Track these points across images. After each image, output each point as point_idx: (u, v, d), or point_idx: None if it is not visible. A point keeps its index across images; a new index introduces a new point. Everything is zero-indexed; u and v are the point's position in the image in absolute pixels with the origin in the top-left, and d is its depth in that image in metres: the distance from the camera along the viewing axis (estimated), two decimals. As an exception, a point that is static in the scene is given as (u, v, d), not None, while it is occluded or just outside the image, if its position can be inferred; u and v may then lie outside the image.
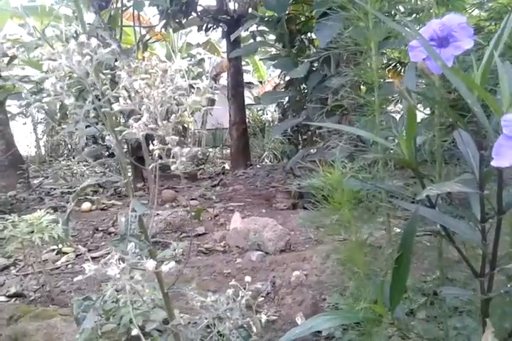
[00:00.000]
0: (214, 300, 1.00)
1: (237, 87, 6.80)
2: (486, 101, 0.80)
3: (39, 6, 8.09)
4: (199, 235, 2.72)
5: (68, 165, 6.80)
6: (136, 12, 5.10)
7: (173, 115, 0.92)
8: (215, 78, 9.39)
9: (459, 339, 1.47)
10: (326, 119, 2.17)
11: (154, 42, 5.66)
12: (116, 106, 0.87)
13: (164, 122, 0.93)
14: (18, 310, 1.89)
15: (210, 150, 8.88)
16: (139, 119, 0.95)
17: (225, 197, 3.59)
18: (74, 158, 7.49)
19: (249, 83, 10.01)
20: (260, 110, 9.86)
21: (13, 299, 2.12)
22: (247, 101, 8.44)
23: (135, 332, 0.92)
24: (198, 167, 7.04)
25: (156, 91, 0.87)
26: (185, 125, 9.39)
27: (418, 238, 1.51)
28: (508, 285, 1.12)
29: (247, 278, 1.09)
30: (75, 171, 6.27)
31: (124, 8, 3.57)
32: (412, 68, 1.16)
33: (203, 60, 9.69)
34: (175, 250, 2.33)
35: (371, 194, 1.20)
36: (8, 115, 6.84)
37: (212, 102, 9.79)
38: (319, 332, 1.86)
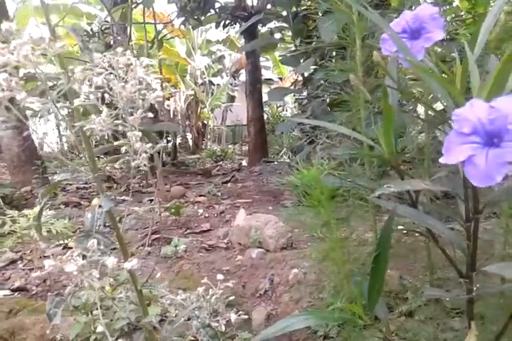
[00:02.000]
0: (184, 299, 0.99)
1: (255, 84, 6.77)
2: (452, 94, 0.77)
3: (61, 5, 8.24)
4: (204, 231, 2.72)
5: (109, 162, 6.88)
6: (153, 9, 5.13)
7: (139, 110, 0.91)
8: (234, 75, 9.39)
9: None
10: (327, 116, 2.13)
11: (170, 38, 5.66)
12: (77, 102, 0.87)
13: (130, 117, 0.92)
14: (18, 304, 1.92)
15: (230, 146, 8.88)
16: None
17: (233, 193, 3.59)
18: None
19: (269, 79, 9.97)
20: (280, 106, 9.82)
21: (16, 293, 2.15)
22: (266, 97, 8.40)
23: (100, 328, 0.91)
24: (216, 163, 7.06)
25: (118, 85, 0.85)
26: (205, 121, 9.43)
27: (414, 238, 1.47)
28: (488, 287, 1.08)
29: (219, 276, 1.07)
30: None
31: (134, 5, 3.58)
32: (394, 63, 1.12)
33: (223, 56, 9.70)
34: (176, 246, 2.34)
35: (352, 192, 1.18)
36: (31, 112, 6.97)
37: (232, 99, 9.82)
38: (315, 332, 1.84)
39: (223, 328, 0.99)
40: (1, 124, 4.34)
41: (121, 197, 3.63)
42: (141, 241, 2.61)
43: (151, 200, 3.40)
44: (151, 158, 1.46)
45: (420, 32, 0.89)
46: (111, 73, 0.90)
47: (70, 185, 4.57)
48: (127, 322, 1.35)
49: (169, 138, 4.80)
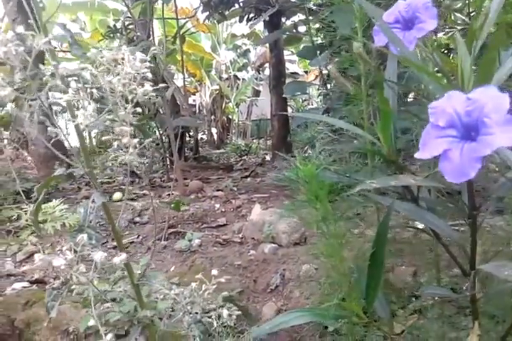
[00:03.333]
0: (177, 294, 0.99)
1: (278, 78, 6.71)
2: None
3: (88, 2, 8.35)
4: (220, 226, 2.73)
5: (116, 156, 6.97)
6: (176, 4, 5.15)
7: (129, 105, 0.91)
8: (259, 69, 9.36)
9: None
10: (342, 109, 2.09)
11: (192, 33, 5.68)
12: (65, 97, 0.87)
13: (121, 113, 0.92)
14: (34, 296, 1.96)
15: (255, 141, 8.86)
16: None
17: (251, 188, 3.58)
18: (122, 149, 7.70)
19: (295, 73, 9.89)
20: (305, 100, 9.74)
21: (35, 285, 2.20)
22: (292, 91, 8.33)
23: (92, 322, 0.92)
24: (240, 158, 7.06)
25: (105, 80, 0.85)
26: (230, 116, 9.45)
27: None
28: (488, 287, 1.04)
29: (214, 272, 1.07)
30: (123, 162, 6.43)
31: (154, 0, 3.59)
32: (393, 58, 1.09)
33: (248, 50, 9.68)
34: (190, 241, 2.35)
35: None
36: (59, 108, 7.11)
37: (257, 93, 9.79)
38: (326, 327, 1.83)
39: (215, 324, 0.99)
40: (28, 120, 4.44)
41: (142, 192, 3.67)
42: (158, 235, 2.64)
43: (171, 194, 3.43)
44: (172, 153, 1.46)
45: (413, 22, 0.86)
46: (99, 69, 0.91)
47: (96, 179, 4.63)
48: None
49: (191, 133, 4.82)
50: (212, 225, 2.74)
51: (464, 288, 1.09)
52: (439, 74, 0.76)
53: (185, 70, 9.22)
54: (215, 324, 0.97)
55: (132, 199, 3.45)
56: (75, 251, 0.91)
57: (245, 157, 7.17)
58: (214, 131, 9.05)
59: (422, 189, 1.14)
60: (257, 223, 2.38)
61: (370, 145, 1.11)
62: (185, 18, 4.82)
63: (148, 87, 0.90)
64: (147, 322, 1.08)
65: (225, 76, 9.29)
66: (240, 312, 1.00)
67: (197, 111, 9.46)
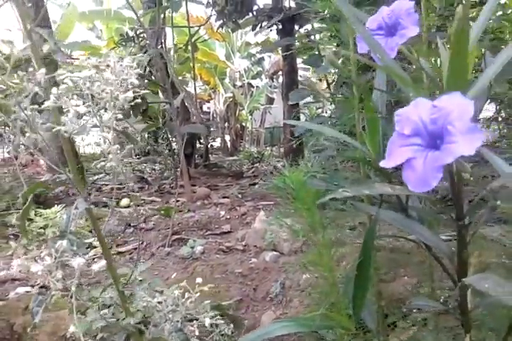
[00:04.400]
0: (160, 302, 0.99)
1: (291, 85, 6.71)
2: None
3: (105, 10, 8.48)
4: (224, 233, 2.72)
5: (130, 162, 7.06)
6: (187, 13, 5.20)
7: (110, 111, 0.91)
8: (273, 76, 9.37)
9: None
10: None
11: (203, 41, 5.72)
12: (48, 103, 0.88)
13: (104, 119, 0.92)
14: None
15: (268, 148, 8.86)
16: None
17: (258, 195, 3.57)
18: (136, 155, 7.79)
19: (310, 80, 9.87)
20: (319, 108, 9.72)
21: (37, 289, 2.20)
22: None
23: (72, 329, 0.92)
24: (253, 165, 7.06)
25: (85, 86, 0.86)
26: (243, 124, 9.47)
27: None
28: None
29: (198, 280, 1.06)
30: (136, 168, 6.52)
31: (162, 9, 3.63)
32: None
33: (262, 58, 9.70)
34: (192, 248, 2.35)
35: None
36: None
37: (270, 101, 9.80)
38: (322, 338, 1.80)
39: (230, 331, 0.98)
40: (41, 126, 4.50)
41: (150, 198, 3.69)
42: (162, 241, 2.64)
43: (178, 201, 3.43)
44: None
45: (396, 28, 0.84)
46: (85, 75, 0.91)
47: (106, 185, 4.68)
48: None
49: (202, 140, 4.84)
50: (216, 232, 2.73)
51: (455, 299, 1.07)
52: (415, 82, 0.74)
53: (199, 78, 9.31)
54: (196, 332, 0.96)
55: (140, 206, 3.46)
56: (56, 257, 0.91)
57: (257, 164, 7.17)
58: (227, 138, 9.08)
59: (414, 198, 1.13)
60: (259, 231, 2.36)
61: (359, 152, 1.10)
62: (196, 26, 4.85)
63: (130, 93, 0.90)
64: (132, 329, 1.07)
65: (239, 84, 9.33)
66: (222, 321, 0.99)
67: (211, 118, 9.51)
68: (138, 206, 3.45)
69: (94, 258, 2.55)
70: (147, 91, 3.29)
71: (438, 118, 0.54)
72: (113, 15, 8.25)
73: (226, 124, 9.11)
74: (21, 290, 2.21)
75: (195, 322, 1.00)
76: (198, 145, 4.98)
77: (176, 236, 2.64)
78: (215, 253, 2.45)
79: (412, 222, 0.98)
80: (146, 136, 8.00)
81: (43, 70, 0.84)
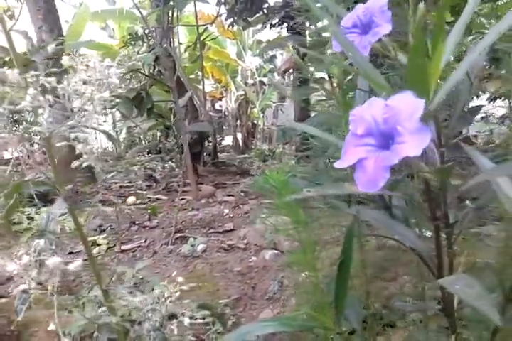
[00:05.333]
0: (140, 300, 0.99)
1: (303, 83, 6.69)
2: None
3: (117, 10, 8.53)
4: (226, 231, 2.72)
5: (142, 161, 7.14)
6: (196, 11, 5.21)
7: (85, 112, 0.91)
8: (284, 74, 9.34)
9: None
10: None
11: (212, 39, 5.72)
12: (24, 103, 0.88)
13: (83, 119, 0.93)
14: (34, 299, 2.00)
15: (280, 146, 8.84)
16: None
17: (262, 193, 3.56)
18: (148, 153, 7.84)
19: (322, 78, 9.82)
20: (331, 106, 9.66)
21: (39, 287, 2.23)
22: (319, 96, 8.25)
23: (51, 326, 0.93)
24: (264, 163, 7.05)
25: (60, 86, 0.86)
26: (255, 121, 9.46)
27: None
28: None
29: (179, 279, 1.06)
30: (148, 166, 6.57)
31: (167, 8, 3.64)
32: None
33: (274, 56, 9.69)
34: (192, 246, 2.36)
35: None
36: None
37: (282, 99, 9.77)
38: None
39: (175, 332, 0.98)
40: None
41: (156, 196, 3.71)
42: (165, 239, 2.65)
43: (182, 199, 3.45)
44: (192, 158, 1.45)
45: (370, 26, 0.83)
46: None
47: (116, 183, 4.72)
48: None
49: (210, 139, 4.85)
50: (219, 230, 2.73)
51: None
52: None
53: (211, 76, 9.33)
54: (175, 331, 0.96)
55: (145, 204, 3.49)
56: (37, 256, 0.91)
57: (269, 162, 7.16)
58: (239, 136, 9.08)
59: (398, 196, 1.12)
60: (259, 229, 2.37)
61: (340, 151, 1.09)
62: (203, 25, 4.86)
63: (106, 93, 0.91)
64: (117, 328, 1.08)
65: (250, 81, 9.32)
66: (203, 320, 0.99)
67: (223, 116, 9.52)
68: (145, 204, 3.48)
69: (97, 256, 2.58)
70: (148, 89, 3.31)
71: (389, 118, 0.53)
72: (125, 15, 8.29)
73: (238, 122, 9.12)
74: (24, 287, 2.24)
75: (175, 320, 1.00)
76: (206, 143, 4.99)
77: (178, 235, 2.65)
78: (216, 251, 2.45)
79: (393, 222, 0.97)
80: (159, 134, 8.06)
81: (16, 71, 0.85)
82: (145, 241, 2.67)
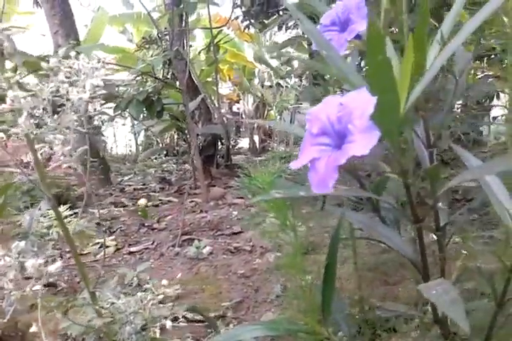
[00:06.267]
0: (124, 303, 0.98)
1: (319, 84, 6.64)
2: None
3: (135, 13, 8.63)
4: (234, 234, 2.71)
5: (161, 163, 7.21)
6: (209, 14, 5.22)
7: (62, 113, 0.91)
8: (301, 76, 9.30)
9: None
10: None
11: (226, 42, 5.73)
12: (3, 105, 0.89)
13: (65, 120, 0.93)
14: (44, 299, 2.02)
15: (297, 148, 8.80)
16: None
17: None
18: (165, 155, 7.89)
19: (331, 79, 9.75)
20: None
21: (47, 288, 2.26)
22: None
23: (33, 328, 0.93)
24: (280, 165, 7.02)
25: (38, 88, 0.86)
26: (272, 123, 9.43)
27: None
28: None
29: (164, 282, 1.05)
30: (165, 168, 6.62)
31: (177, 12, 3.66)
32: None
33: (292, 58, 9.64)
34: (197, 248, 2.35)
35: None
36: (106, 117, 7.37)
37: (299, 101, 9.73)
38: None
39: (158, 335, 0.97)
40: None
41: (167, 198, 3.72)
42: (172, 241, 2.66)
43: (192, 201, 3.45)
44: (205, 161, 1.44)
45: (348, 23, 0.81)
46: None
47: (130, 186, 4.75)
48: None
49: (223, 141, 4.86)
50: (226, 233, 2.73)
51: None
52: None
53: (228, 79, 9.35)
54: (157, 335, 0.96)
55: (156, 206, 3.50)
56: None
57: (285, 164, 7.12)
58: (256, 138, 9.08)
59: (389, 198, 1.09)
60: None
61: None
62: (216, 28, 4.87)
63: (84, 95, 0.91)
64: (104, 330, 1.07)
65: (268, 84, 9.32)
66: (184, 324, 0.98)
67: (240, 118, 9.53)
68: (155, 206, 3.49)
69: (105, 259, 2.60)
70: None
71: (343, 117, 0.51)
72: (142, 18, 8.37)
73: (255, 124, 9.12)
74: (33, 288, 2.27)
75: (158, 324, 0.99)
76: (220, 145, 5.00)
77: (186, 237, 2.65)
78: (222, 253, 2.44)
79: (378, 224, 0.94)
80: (176, 136, 8.11)
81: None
82: (152, 243, 2.67)
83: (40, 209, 0.97)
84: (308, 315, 1.04)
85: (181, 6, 3.53)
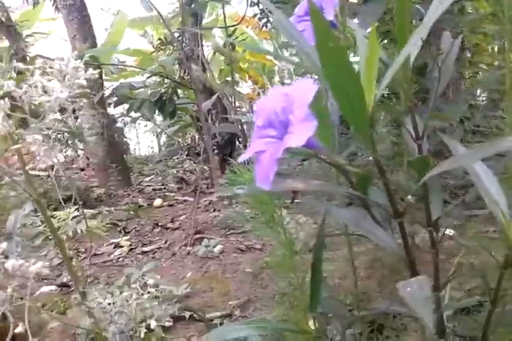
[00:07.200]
0: (109, 303, 0.98)
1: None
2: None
3: (154, 16, 8.69)
4: (245, 232, 2.70)
5: (179, 163, 7.26)
6: (224, 13, 5.22)
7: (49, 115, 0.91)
8: (321, 72, 9.23)
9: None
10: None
11: (242, 40, 5.71)
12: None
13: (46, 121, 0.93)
14: (50, 300, 2.05)
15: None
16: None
17: (287, 193, 3.51)
18: (187, 155, 7.94)
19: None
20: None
21: (59, 289, 2.29)
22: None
23: (19, 328, 0.93)
24: (301, 163, 6.99)
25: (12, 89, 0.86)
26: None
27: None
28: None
29: (150, 281, 1.04)
30: (186, 168, 6.67)
31: (186, 12, 3.66)
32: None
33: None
34: (207, 247, 2.35)
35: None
36: (128, 119, 7.46)
37: (320, 97, 9.65)
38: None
39: (142, 335, 0.97)
40: (87, 131, 4.67)
41: (183, 198, 3.74)
42: (185, 240, 2.66)
43: (206, 200, 3.46)
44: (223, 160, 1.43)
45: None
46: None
47: (149, 186, 4.79)
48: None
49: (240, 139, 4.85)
50: (238, 231, 2.71)
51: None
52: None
53: (247, 77, 9.34)
54: (142, 335, 0.95)
55: (171, 206, 3.52)
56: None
57: (305, 162, 7.08)
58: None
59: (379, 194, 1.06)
60: (275, 229, 2.33)
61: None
62: (231, 26, 4.86)
63: (62, 94, 0.90)
64: (95, 330, 1.07)
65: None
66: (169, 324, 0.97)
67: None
68: (170, 206, 3.51)
69: (119, 258, 2.62)
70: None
71: (286, 107, 0.49)
72: (161, 21, 8.42)
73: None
74: (46, 289, 2.30)
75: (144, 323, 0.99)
76: (238, 144, 5.00)
77: (198, 236, 2.65)
78: (233, 252, 2.44)
79: (364, 220, 0.91)
80: (197, 136, 8.14)
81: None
82: (165, 243, 2.68)
83: (24, 210, 0.97)
84: (297, 313, 1.02)
85: (192, 5, 3.53)
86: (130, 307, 0.97)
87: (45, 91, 0.93)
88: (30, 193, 1.04)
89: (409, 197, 0.66)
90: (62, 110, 0.96)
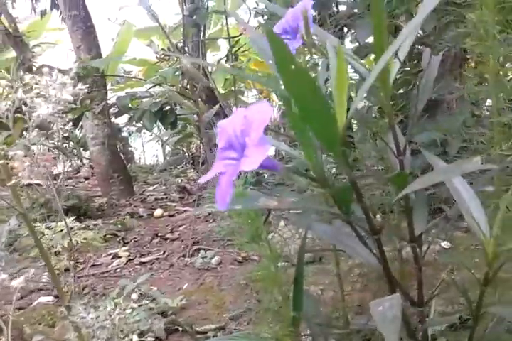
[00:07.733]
0: (93, 318, 0.98)
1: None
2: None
3: (159, 27, 8.77)
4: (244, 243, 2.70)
5: (181, 172, 7.28)
6: (227, 24, 5.27)
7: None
8: (326, 81, 9.26)
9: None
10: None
11: (245, 51, 5.75)
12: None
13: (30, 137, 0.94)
14: (46, 311, 2.06)
15: (324, 156, 8.73)
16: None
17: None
18: (191, 164, 7.97)
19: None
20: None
21: (57, 299, 2.30)
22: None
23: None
24: (305, 171, 6.99)
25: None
26: (297, 130, 9.40)
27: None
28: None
29: (134, 296, 1.05)
30: (190, 177, 6.68)
31: (188, 23, 3.70)
32: (324, 66, 1.03)
33: (317, 64, 9.60)
34: (203, 258, 2.35)
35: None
36: (133, 128, 7.51)
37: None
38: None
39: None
40: (90, 141, 4.70)
41: (184, 208, 3.74)
42: (183, 251, 2.66)
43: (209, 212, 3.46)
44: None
45: (296, 31, 0.80)
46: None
47: (152, 196, 4.80)
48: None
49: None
50: (235, 242, 2.71)
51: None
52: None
53: (252, 87, 9.38)
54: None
55: (171, 216, 3.53)
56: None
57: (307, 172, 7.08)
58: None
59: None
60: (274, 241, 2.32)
61: (298, 163, 1.04)
62: (233, 37, 4.90)
63: (43, 110, 0.91)
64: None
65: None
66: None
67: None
68: (171, 216, 3.51)
69: (116, 269, 2.62)
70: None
71: (245, 130, 0.50)
72: (168, 31, 8.49)
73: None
74: (44, 299, 2.31)
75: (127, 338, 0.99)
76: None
77: (196, 247, 2.65)
78: (230, 263, 2.43)
79: (342, 235, 0.91)
80: (201, 145, 8.17)
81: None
82: (163, 254, 2.69)
83: (9, 225, 0.98)
84: (280, 328, 1.01)
85: (194, 17, 3.56)
86: (113, 321, 0.97)
87: (31, 107, 0.94)
88: (15, 207, 1.05)
89: (377, 216, 0.66)
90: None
